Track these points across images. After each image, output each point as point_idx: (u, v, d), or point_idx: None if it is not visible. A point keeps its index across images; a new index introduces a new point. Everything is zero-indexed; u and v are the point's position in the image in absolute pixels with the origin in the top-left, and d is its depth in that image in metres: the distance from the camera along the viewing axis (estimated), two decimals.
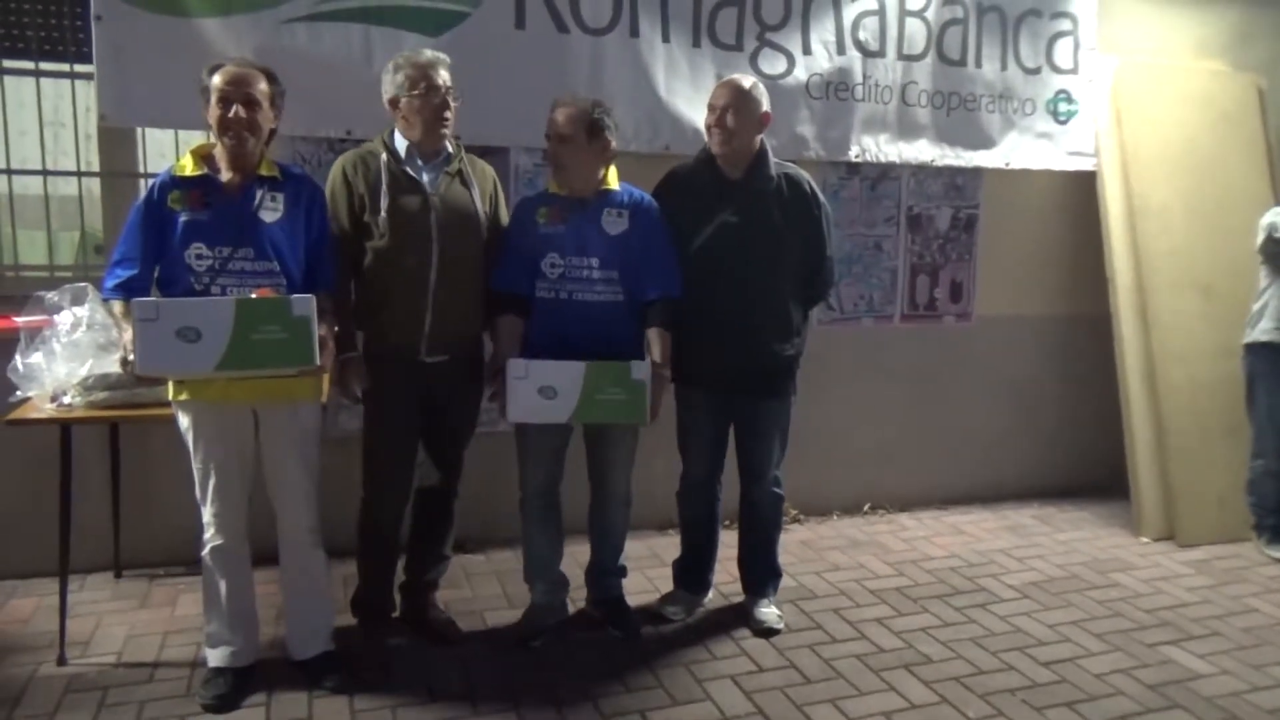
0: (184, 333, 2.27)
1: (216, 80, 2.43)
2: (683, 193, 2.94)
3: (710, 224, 2.89)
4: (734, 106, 2.85)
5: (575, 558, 3.17)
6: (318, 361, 2.40)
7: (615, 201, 2.82)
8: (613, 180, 2.85)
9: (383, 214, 2.65)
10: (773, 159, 2.97)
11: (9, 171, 3.31)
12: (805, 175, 3.02)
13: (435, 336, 2.73)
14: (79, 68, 3.26)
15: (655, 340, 2.85)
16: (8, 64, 3.26)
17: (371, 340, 2.76)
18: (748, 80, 2.95)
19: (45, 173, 3.36)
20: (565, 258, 2.77)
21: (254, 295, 2.39)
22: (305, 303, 2.37)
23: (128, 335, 2.33)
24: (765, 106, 2.91)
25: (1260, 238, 3.84)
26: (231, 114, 2.40)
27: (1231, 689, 2.82)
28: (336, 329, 2.66)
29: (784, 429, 3.10)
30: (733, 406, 3.05)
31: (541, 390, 2.68)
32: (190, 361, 2.30)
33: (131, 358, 2.31)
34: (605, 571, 3.10)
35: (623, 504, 3.02)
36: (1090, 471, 4.58)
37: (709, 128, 2.93)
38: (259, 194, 2.49)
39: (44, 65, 3.29)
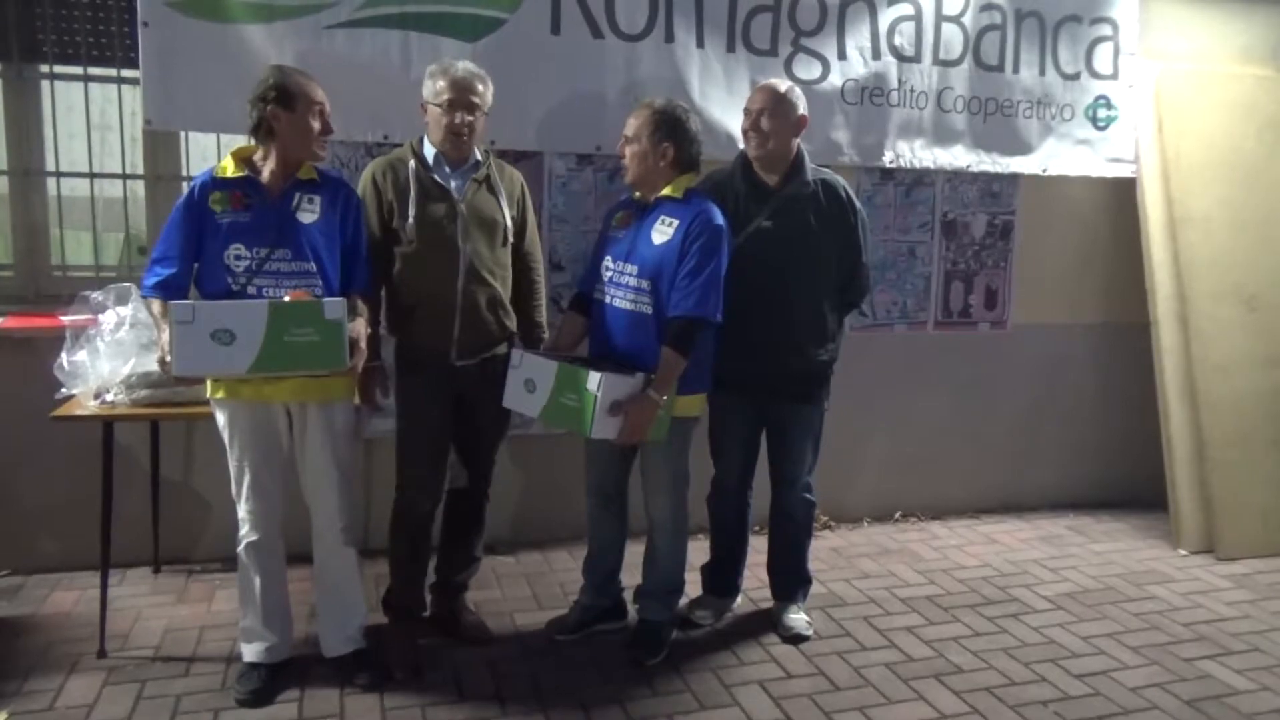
0: (219, 335, 2.32)
1: (318, 93, 2.53)
2: (719, 197, 2.94)
3: (746, 229, 2.88)
4: (769, 110, 2.86)
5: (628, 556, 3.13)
6: (349, 363, 2.45)
7: (669, 211, 2.73)
8: (674, 188, 2.75)
9: (410, 220, 2.68)
10: (809, 164, 2.96)
11: (58, 174, 3.39)
12: (842, 181, 3.01)
13: (464, 341, 2.76)
14: (126, 73, 3.33)
15: (661, 358, 2.66)
16: (58, 69, 3.34)
17: (404, 344, 2.80)
18: (784, 84, 2.95)
19: (92, 175, 3.44)
20: (615, 262, 2.79)
21: (287, 298, 2.43)
22: (337, 305, 2.41)
23: (165, 336, 2.38)
24: (802, 110, 2.91)
25: None
26: (323, 126, 2.55)
27: (1272, 706, 2.77)
28: (368, 330, 2.71)
29: (817, 435, 3.09)
30: (766, 412, 3.04)
31: (525, 383, 2.67)
32: (225, 363, 2.36)
33: (169, 359, 2.36)
34: (641, 591, 3.03)
35: (661, 530, 2.92)
36: (1128, 482, 4.51)
37: (745, 132, 2.93)
38: (297, 196, 2.54)
39: (92, 70, 3.37)
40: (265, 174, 2.53)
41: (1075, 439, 4.50)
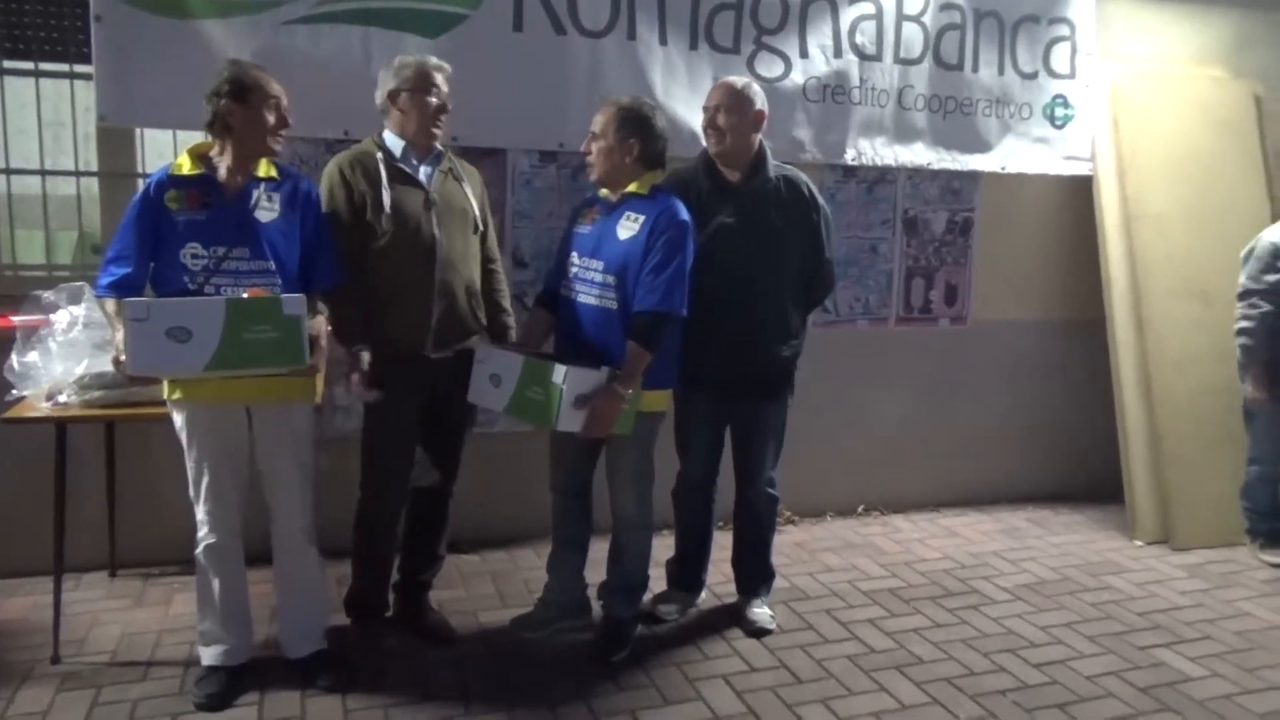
0: (175, 332, 2.29)
1: (275, 89, 2.50)
2: (682, 194, 2.94)
3: (709, 226, 2.89)
4: (725, 106, 2.87)
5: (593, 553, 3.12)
6: (308, 361, 2.43)
7: (634, 207, 2.73)
8: (640, 185, 2.75)
9: (387, 211, 2.66)
10: (772, 161, 2.98)
11: (8, 171, 3.33)
12: (804, 178, 3.03)
13: (441, 333, 2.75)
14: (79, 68, 3.27)
15: (626, 353, 2.65)
16: (8, 64, 3.28)
17: (377, 339, 2.74)
18: (740, 80, 2.96)
19: (44, 172, 3.37)
20: (581, 258, 2.80)
21: (245, 295, 2.40)
22: (296, 302, 2.39)
23: (120, 335, 2.34)
24: (759, 105, 2.92)
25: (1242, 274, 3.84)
26: (279, 122, 2.51)
27: (1223, 692, 2.83)
28: (330, 328, 2.68)
29: (780, 431, 3.11)
30: (730, 408, 3.06)
31: (491, 377, 2.67)
32: (181, 361, 2.32)
33: (124, 357, 2.33)
34: (609, 589, 3.02)
35: (627, 526, 2.92)
36: (1085, 475, 4.58)
37: (704, 129, 2.95)
38: (256, 194, 2.51)
39: (44, 65, 3.31)
40: (222, 171, 2.49)
41: (1034, 433, 4.57)
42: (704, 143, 3.00)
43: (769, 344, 2.97)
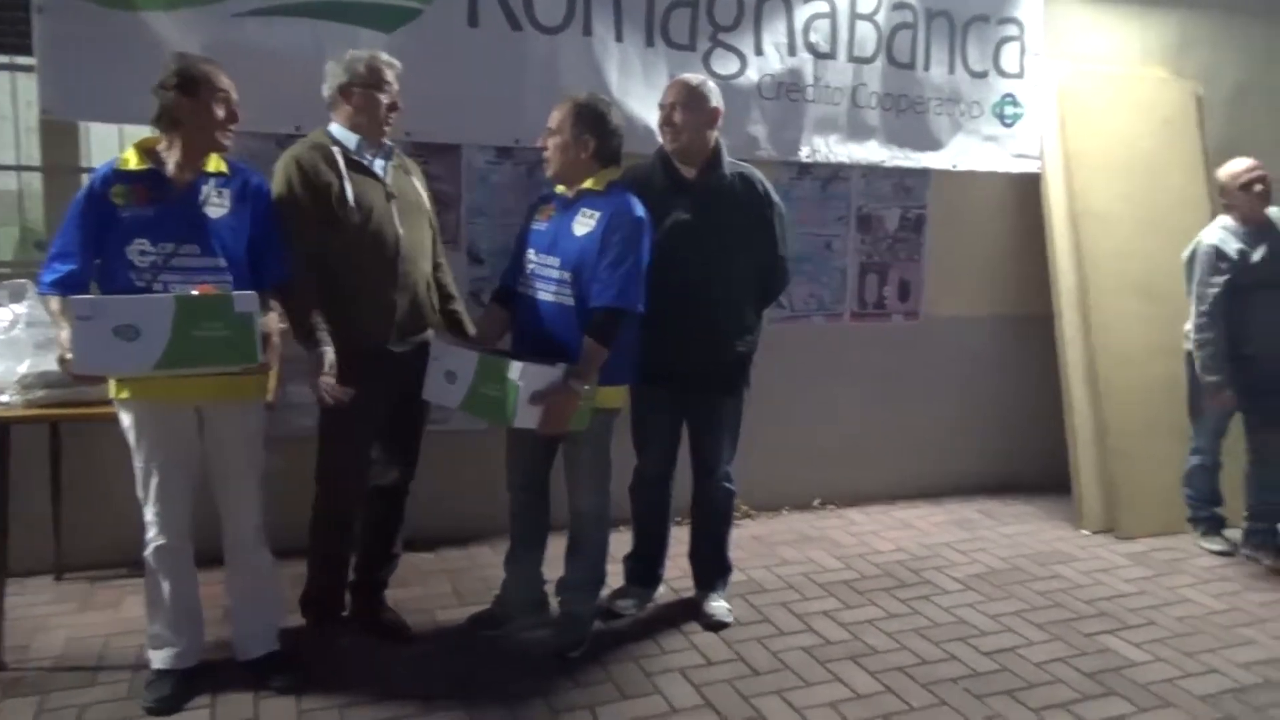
0: (122, 331, 2.24)
1: (225, 82, 2.46)
2: (639, 191, 2.95)
3: (664, 222, 2.90)
4: (681, 103, 2.89)
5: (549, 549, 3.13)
6: (261, 359, 2.39)
7: (590, 203, 2.74)
8: (596, 181, 2.76)
9: (351, 203, 2.63)
10: (728, 158, 3.00)
11: None
12: (759, 175, 3.05)
13: (404, 325, 2.74)
14: (20, 60, 3.19)
15: (583, 348, 2.65)
16: None
17: (343, 334, 2.68)
18: (696, 78, 2.98)
19: None
20: (538, 255, 2.79)
21: (195, 292, 2.36)
22: (248, 299, 2.35)
23: (65, 333, 2.29)
24: (714, 103, 2.94)
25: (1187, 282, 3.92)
26: (228, 118, 2.45)
27: (1165, 675, 2.92)
28: (284, 325, 2.65)
29: (736, 425, 3.14)
30: (686, 403, 3.08)
31: (446, 374, 2.66)
32: (129, 360, 2.28)
33: (69, 356, 2.28)
34: (567, 586, 3.02)
35: (591, 521, 2.92)
36: (1034, 467, 4.68)
37: (660, 126, 2.96)
38: (205, 189, 2.47)
39: None
40: (170, 166, 2.45)
41: (985, 426, 4.66)
42: (660, 139, 3.02)
43: (725, 339, 2.99)
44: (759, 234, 3.00)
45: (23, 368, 2.67)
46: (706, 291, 2.93)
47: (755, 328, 3.09)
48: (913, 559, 3.80)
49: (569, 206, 2.78)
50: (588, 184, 2.76)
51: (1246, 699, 2.79)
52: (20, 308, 2.76)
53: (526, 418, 2.57)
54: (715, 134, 2.97)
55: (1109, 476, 4.20)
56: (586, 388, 2.65)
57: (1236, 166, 3.79)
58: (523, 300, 2.83)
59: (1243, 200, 3.75)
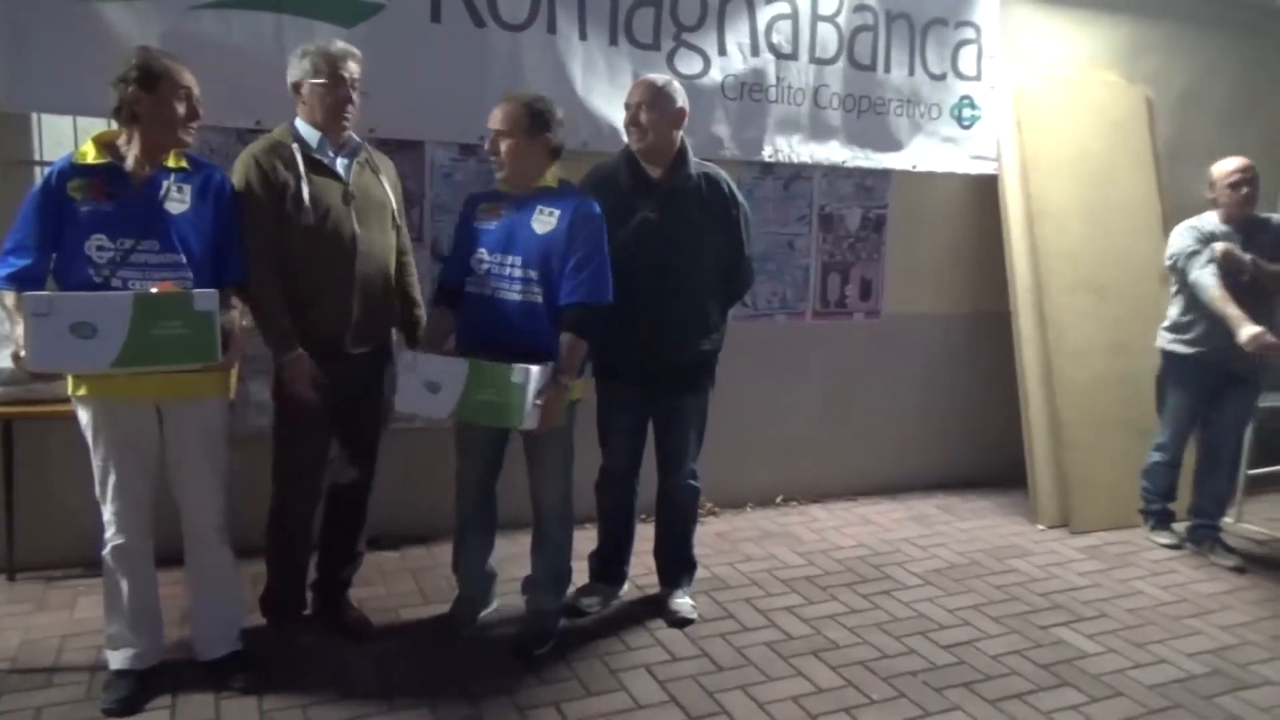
0: (79, 328, 2.21)
1: (186, 78, 2.41)
2: (604, 190, 2.96)
3: (630, 221, 2.91)
4: (647, 103, 2.90)
5: (509, 548, 3.15)
6: (221, 358, 2.36)
7: (548, 201, 2.75)
8: (551, 178, 2.79)
9: (306, 204, 2.60)
10: (693, 158, 3.02)
11: None
12: (724, 175, 3.07)
13: (361, 327, 2.71)
14: None
15: (562, 346, 2.71)
16: None
17: (300, 334, 2.68)
18: (661, 78, 2.99)
19: None
20: (492, 254, 2.76)
21: (154, 289, 2.33)
22: (209, 298, 2.33)
23: (20, 330, 2.25)
24: (680, 103, 2.95)
25: (1166, 260, 3.97)
26: (187, 112, 2.41)
27: (1117, 666, 2.99)
28: (246, 322, 2.62)
29: (701, 423, 3.16)
30: (652, 401, 3.09)
31: (427, 384, 2.63)
32: (86, 358, 2.25)
33: (24, 354, 2.23)
34: (534, 583, 3.03)
35: (557, 518, 2.94)
36: (991, 463, 4.77)
37: (626, 126, 2.97)
38: (166, 184, 2.43)
39: None
40: (130, 160, 2.41)
41: (945, 423, 4.74)
42: (625, 139, 3.03)
43: (689, 337, 3.01)
44: (724, 234, 3.02)
45: None
46: (672, 290, 2.95)
47: (720, 326, 3.12)
48: (873, 554, 3.86)
49: (522, 205, 2.76)
50: (544, 182, 2.78)
51: (1194, 688, 2.88)
52: None
53: (530, 419, 2.60)
54: (680, 134, 2.99)
55: (1063, 471, 4.30)
56: (568, 383, 2.71)
57: (1228, 165, 3.84)
58: (476, 301, 2.78)
59: (1228, 197, 3.82)
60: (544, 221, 2.73)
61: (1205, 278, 3.73)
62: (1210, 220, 3.87)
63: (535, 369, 2.58)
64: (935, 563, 3.80)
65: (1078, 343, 4.38)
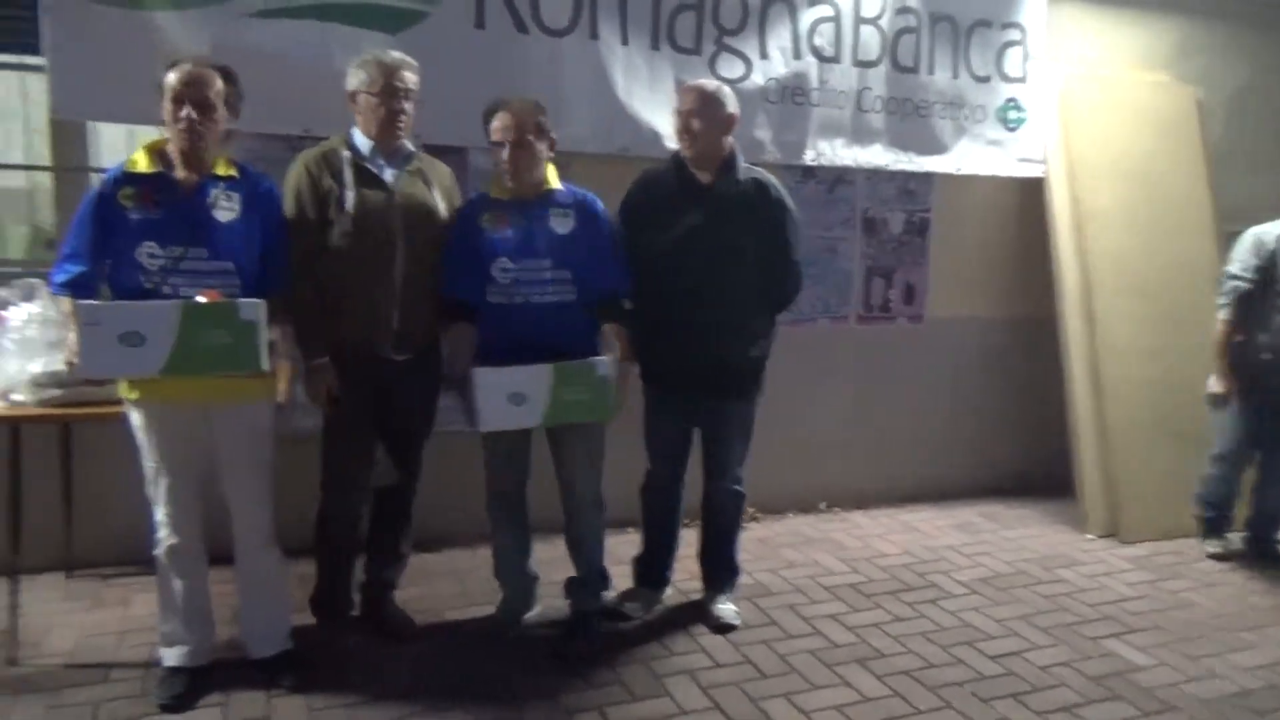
0: (127, 337, 2.27)
1: (171, 79, 2.40)
2: (653, 195, 2.97)
3: (679, 226, 2.91)
4: (698, 110, 2.89)
5: (548, 551, 3.17)
6: (265, 366, 2.40)
7: (559, 201, 2.80)
8: (553, 180, 2.84)
9: (348, 210, 2.64)
10: (742, 163, 3.01)
11: None
12: (773, 180, 3.05)
13: (402, 334, 2.73)
14: (29, 60, 3.19)
15: (614, 336, 2.87)
16: None
17: (336, 339, 2.73)
18: (712, 84, 2.99)
19: None
20: (516, 261, 2.75)
21: (200, 298, 2.37)
22: (253, 308, 2.36)
23: (73, 335, 2.31)
24: (731, 109, 2.94)
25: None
26: (183, 114, 2.38)
27: (1169, 680, 2.93)
28: (292, 329, 2.66)
29: (748, 429, 3.14)
30: (699, 407, 3.08)
31: (511, 397, 2.65)
32: (134, 365, 2.31)
33: (76, 360, 2.29)
34: (582, 583, 3.05)
35: (593, 506, 2.96)
36: (1038, 470, 4.70)
37: (676, 132, 2.96)
38: (214, 193, 2.47)
39: None
40: (179, 168, 2.46)
41: (990, 428, 4.67)
42: (665, 143, 3.02)
43: (737, 343, 3.00)
44: (773, 239, 3.00)
45: (35, 367, 2.68)
46: (719, 295, 2.93)
47: (768, 332, 3.10)
48: (918, 562, 3.81)
49: (531, 209, 2.77)
50: (551, 184, 2.82)
51: (1250, 703, 2.81)
52: (32, 307, 2.76)
53: (615, 408, 2.77)
54: (730, 139, 2.98)
55: (1112, 479, 4.22)
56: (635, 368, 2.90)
57: None
58: (502, 311, 2.76)
59: None
60: (562, 222, 2.79)
61: (1220, 313, 3.82)
62: (1276, 230, 3.77)
63: (610, 360, 2.75)
64: (981, 571, 3.74)
65: (1126, 346, 4.29)
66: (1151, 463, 4.23)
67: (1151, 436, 4.25)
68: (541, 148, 2.76)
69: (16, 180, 3.37)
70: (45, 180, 3.36)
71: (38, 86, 3.19)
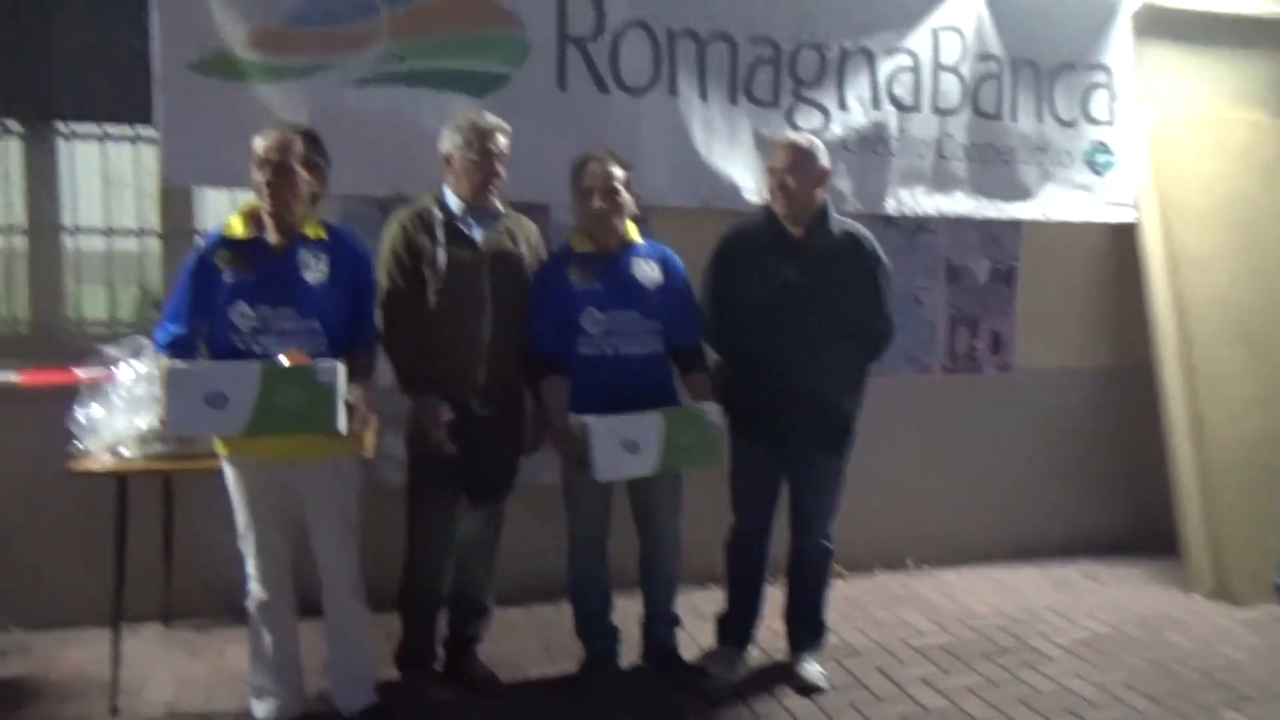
0: (212, 398, 2.35)
1: (256, 146, 2.51)
2: (744, 248, 2.99)
3: (771, 280, 2.91)
4: (792, 166, 2.90)
5: (626, 609, 3.15)
6: (342, 428, 2.45)
7: (643, 253, 2.90)
8: (634, 234, 2.92)
9: (440, 268, 2.72)
10: (834, 215, 3.01)
11: (75, 230, 3.44)
12: (866, 233, 3.04)
13: (488, 389, 2.78)
14: (142, 130, 3.39)
15: (701, 386, 2.92)
16: (76, 128, 3.41)
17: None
18: (804, 139, 3.00)
19: (108, 231, 3.49)
20: (605, 311, 2.80)
21: (283, 358, 2.44)
22: (330, 371, 2.42)
23: (163, 394, 2.40)
24: (824, 163, 2.96)
25: None
26: (270, 180, 2.48)
27: None
28: (397, 379, 2.75)
29: (838, 483, 3.09)
30: (789, 459, 3.04)
31: (625, 445, 2.68)
32: (218, 424, 2.40)
33: (163, 419, 2.39)
34: (657, 620, 3.06)
35: (673, 548, 3.01)
36: (1138, 526, 4.48)
37: (771, 190, 2.97)
38: (303, 254, 2.56)
39: (109, 129, 3.43)
40: (271, 231, 2.56)
41: (1085, 483, 4.49)
42: (749, 197, 3.04)
43: (830, 394, 2.97)
44: (866, 292, 2.98)
45: (141, 422, 2.79)
46: (810, 348, 2.90)
47: (860, 384, 3.06)
48: (1012, 623, 3.66)
49: (614, 261, 2.84)
50: (633, 237, 2.90)
51: None
52: (140, 365, 2.88)
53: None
54: (823, 192, 2.98)
55: (1219, 536, 4.00)
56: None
57: None
58: (594, 362, 2.81)
59: None
60: (648, 273, 2.87)
61: None
62: None
63: (714, 406, 2.82)
64: (1081, 633, 3.57)
65: (1231, 397, 4.10)
66: (1263, 519, 4.01)
67: (1261, 492, 4.03)
68: (628, 200, 2.84)
69: (128, 244, 3.55)
70: (154, 244, 3.53)
71: (148, 155, 3.37)
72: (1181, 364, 4.15)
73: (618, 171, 2.82)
